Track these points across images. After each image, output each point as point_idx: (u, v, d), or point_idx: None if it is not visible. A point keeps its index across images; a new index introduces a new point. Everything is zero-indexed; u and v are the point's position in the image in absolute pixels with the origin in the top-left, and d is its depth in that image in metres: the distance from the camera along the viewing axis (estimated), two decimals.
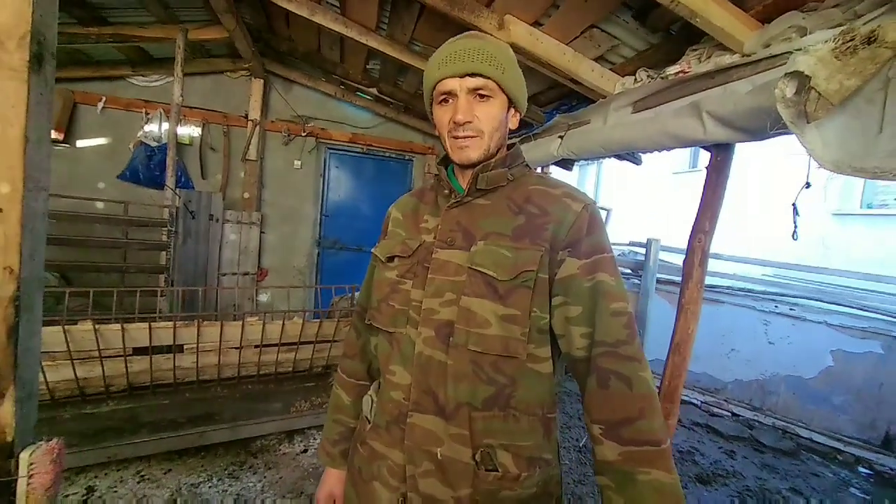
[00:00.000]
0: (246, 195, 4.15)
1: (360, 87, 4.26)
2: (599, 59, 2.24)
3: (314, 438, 2.50)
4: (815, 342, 3.35)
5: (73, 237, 3.11)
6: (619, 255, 4.63)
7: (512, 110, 0.79)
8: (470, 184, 0.78)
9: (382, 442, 0.78)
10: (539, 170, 3.13)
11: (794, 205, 1.46)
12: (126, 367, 2.16)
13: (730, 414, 3.54)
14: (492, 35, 1.35)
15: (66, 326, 1.97)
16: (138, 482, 2.02)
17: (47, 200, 0.69)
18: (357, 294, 1.75)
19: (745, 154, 6.08)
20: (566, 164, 2.93)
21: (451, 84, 0.73)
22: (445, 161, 0.84)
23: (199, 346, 2.33)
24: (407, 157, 4.95)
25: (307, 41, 3.65)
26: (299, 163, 4.39)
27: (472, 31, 0.79)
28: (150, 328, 2.17)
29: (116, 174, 3.71)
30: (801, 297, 3.53)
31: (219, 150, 4.06)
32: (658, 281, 3.63)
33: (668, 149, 1.91)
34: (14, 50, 0.62)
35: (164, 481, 2.04)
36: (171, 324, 2.24)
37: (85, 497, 1.90)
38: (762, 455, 2.95)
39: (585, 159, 2.85)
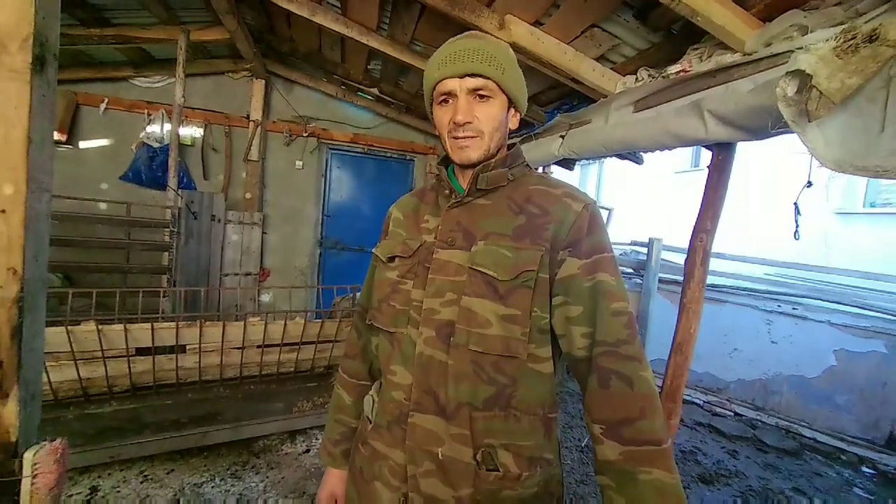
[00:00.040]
0: (248, 196, 4.16)
1: (361, 87, 4.27)
2: (600, 59, 2.24)
3: (316, 438, 2.50)
4: (817, 341, 3.34)
5: (76, 238, 3.12)
6: (620, 254, 4.62)
7: (512, 110, 0.79)
8: (470, 184, 0.78)
9: (384, 442, 0.78)
10: (540, 169, 3.14)
11: (795, 204, 1.46)
12: (129, 367, 2.16)
13: (732, 413, 3.53)
14: (492, 35, 1.36)
15: (69, 327, 1.97)
16: (141, 482, 2.03)
17: (50, 201, 0.70)
18: (358, 294, 1.76)
19: (747, 153, 6.06)
20: (567, 163, 2.93)
21: (451, 84, 0.73)
22: (446, 161, 0.84)
23: (202, 347, 2.33)
24: (408, 157, 4.95)
25: (308, 42, 3.66)
26: (301, 163, 4.40)
27: (472, 31, 0.79)
28: (152, 328, 2.17)
29: (119, 175, 3.72)
30: (803, 297, 3.52)
31: (220, 151, 4.07)
32: (660, 280, 3.62)
33: (670, 148, 1.91)
34: (16, 52, 0.62)
35: (167, 481, 2.05)
36: (173, 324, 2.24)
37: (88, 497, 1.91)
38: (765, 455, 2.94)
39: (587, 159, 2.85)
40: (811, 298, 3.48)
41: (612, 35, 2.05)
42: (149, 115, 3.73)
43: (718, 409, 3.58)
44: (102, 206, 3.56)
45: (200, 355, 2.33)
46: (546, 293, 0.72)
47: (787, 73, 1.07)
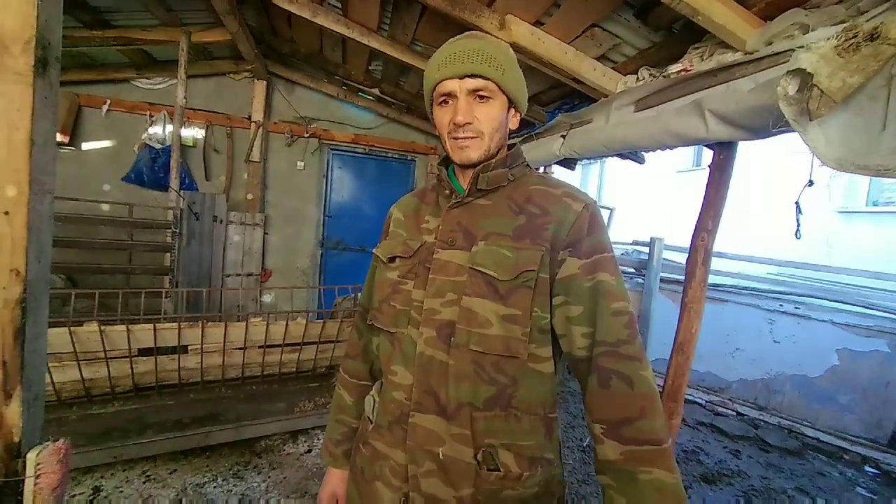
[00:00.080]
0: (249, 196, 4.17)
1: (362, 87, 4.27)
2: (601, 58, 2.24)
3: (318, 438, 2.51)
4: (820, 341, 3.33)
5: (78, 239, 3.14)
6: (622, 254, 4.62)
7: (512, 110, 0.79)
8: (470, 184, 0.78)
9: (384, 442, 0.78)
10: (541, 169, 3.14)
11: (797, 203, 1.45)
12: (131, 367, 2.17)
13: (735, 413, 3.52)
14: (493, 35, 1.36)
15: (72, 328, 1.98)
16: (144, 482, 2.03)
17: (53, 203, 0.70)
18: (359, 294, 1.76)
19: (748, 152, 6.05)
20: (568, 163, 2.93)
21: (451, 85, 0.73)
22: (446, 161, 0.84)
23: (204, 347, 2.34)
24: (409, 158, 4.95)
25: (309, 42, 3.67)
26: (302, 164, 4.40)
27: (472, 32, 0.79)
28: (154, 329, 2.18)
29: (121, 176, 3.73)
30: (806, 296, 3.51)
31: (222, 152, 4.08)
32: (662, 280, 3.61)
33: (671, 147, 1.91)
34: (19, 54, 0.63)
35: (170, 481, 2.06)
36: (175, 325, 2.25)
37: (91, 497, 1.91)
38: (767, 454, 2.93)
39: (588, 158, 2.85)
40: (813, 298, 3.47)
41: (613, 34, 2.05)
42: (151, 116, 3.74)
43: (720, 409, 3.57)
44: (105, 207, 3.58)
45: (202, 356, 2.34)
46: (546, 293, 0.72)
47: (788, 71, 1.06)
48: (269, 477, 2.17)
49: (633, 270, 3.83)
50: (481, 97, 0.73)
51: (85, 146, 3.66)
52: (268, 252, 4.30)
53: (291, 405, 2.46)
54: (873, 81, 1.00)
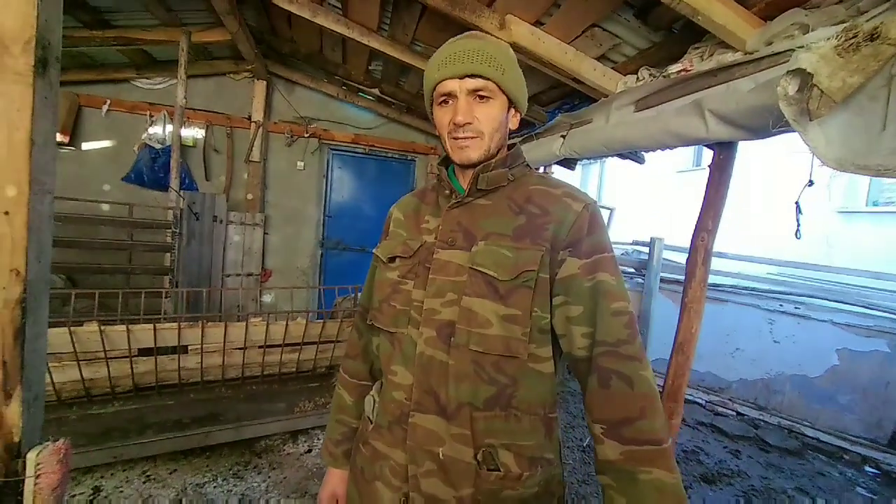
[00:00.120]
0: (249, 196, 4.17)
1: (362, 87, 4.27)
2: (601, 58, 2.24)
3: (318, 438, 2.51)
4: (820, 341, 3.33)
5: (78, 239, 3.14)
6: (622, 254, 4.62)
7: (512, 110, 0.79)
8: (470, 184, 0.78)
9: (385, 442, 0.78)
10: (542, 169, 3.14)
11: (797, 203, 1.45)
12: (131, 367, 2.17)
13: (735, 413, 3.52)
14: (493, 35, 1.36)
15: (72, 328, 1.98)
16: (144, 482, 2.03)
17: (53, 203, 0.70)
18: (360, 294, 1.76)
19: (748, 152, 6.06)
20: (568, 163, 2.93)
21: (451, 85, 0.73)
22: (446, 161, 0.84)
23: (204, 347, 2.34)
24: (409, 158, 4.95)
25: (309, 42, 3.67)
26: (302, 164, 4.40)
27: (472, 32, 0.79)
28: (154, 329, 2.18)
29: (121, 176, 3.74)
30: (806, 296, 3.51)
31: (222, 152, 4.08)
32: (662, 280, 3.61)
33: (671, 147, 1.91)
34: (19, 54, 0.63)
35: (170, 481, 2.06)
36: (175, 325, 2.25)
37: (91, 497, 1.91)
38: (767, 454, 2.93)
39: (588, 158, 2.85)
40: (813, 298, 3.47)
41: (613, 34, 2.05)
42: (151, 116, 3.74)
43: (720, 409, 3.57)
44: (105, 207, 3.58)
45: (202, 356, 2.34)
46: (546, 293, 0.72)
47: (788, 71, 1.06)
48: (269, 477, 2.17)
49: (633, 270, 3.83)
50: (481, 97, 0.73)
51: (85, 146, 3.66)
52: (268, 252, 4.30)
53: (291, 405, 2.46)
54: (873, 81, 1.00)
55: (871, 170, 1.02)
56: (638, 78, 2.10)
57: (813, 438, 3.14)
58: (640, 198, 8.97)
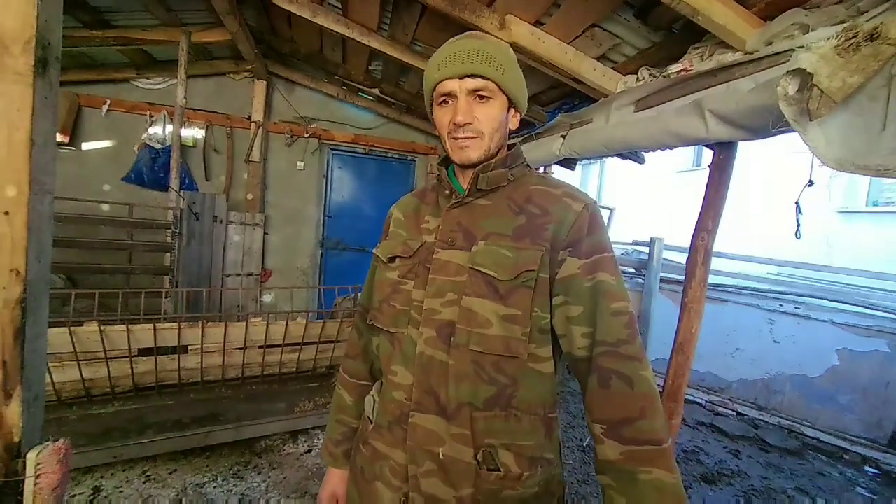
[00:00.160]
0: (249, 196, 4.17)
1: (362, 87, 4.27)
2: (601, 58, 2.24)
3: (318, 438, 2.51)
4: (820, 341, 3.33)
5: (78, 239, 3.14)
6: (622, 254, 4.62)
7: (512, 110, 0.79)
8: (470, 184, 0.78)
9: (385, 442, 0.78)
10: (542, 169, 3.14)
11: (796, 203, 1.45)
12: (131, 367, 2.17)
13: (735, 413, 3.52)
14: (493, 35, 1.36)
15: (72, 328, 1.98)
16: (144, 482, 2.03)
17: (53, 203, 0.70)
18: (360, 294, 1.76)
19: (748, 152, 6.06)
20: (569, 163, 2.93)
21: (451, 85, 0.73)
22: (446, 161, 0.84)
23: (204, 347, 2.34)
24: (409, 158, 4.95)
25: (309, 42, 3.67)
26: (302, 164, 4.40)
27: (472, 32, 0.79)
28: (154, 329, 2.18)
29: (121, 176, 3.74)
30: (806, 296, 3.51)
31: (222, 152, 4.08)
32: (662, 280, 3.61)
33: (671, 147, 1.91)
34: (19, 54, 0.63)
35: (170, 481, 2.06)
36: (175, 325, 2.25)
37: (91, 497, 1.91)
38: (767, 454, 2.93)
39: (588, 158, 2.85)
40: (813, 298, 3.47)
41: (613, 34, 2.05)
42: (151, 116, 3.74)
43: (720, 409, 3.57)
44: (105, 207, 3.58)
45: (202, 356, 2.34)
46: (546, 293, 0.72)
47: (788, 71, 1.06)
48: (269, 477, 2.17)
49: (633, 270, 3.83)
50: (481, 97, 0.73)
51: (85, 146, 3.66)
52: (268, 252, 4.30)
53: (291, 405, 2.46)
54: (873, 81, 1.00)
55: (871, 170, 1.02)
56: (638, 78, 2.10)
57: (813, 438, 3.14)
58: (640, 198, 8.98)
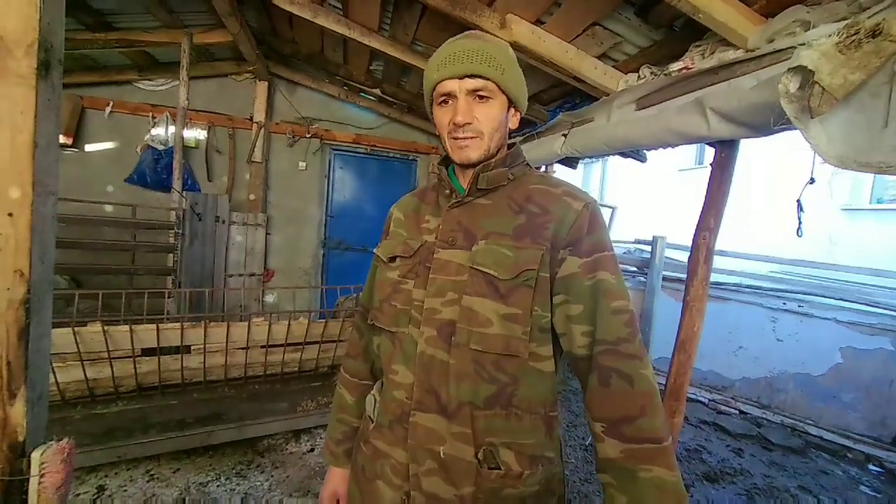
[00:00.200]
0: (251, 197, 4.18)
1: (363, 88, 4.28)
2: (602, 57, 2.23)
3: (320, 438, 2.51)
4: (823, 339, 3.31)
5: (82, 240, 3.16)
6: (624, 252, 4.61)
7: (512, 110, 0.79)
8: (470, 184, 0.78)
9: (385, 441, 0.78)
10: (543, 168, 3.14)
11: (798, 201, 1.45)
12: (135, 367, 2.18)
13: (737, 412, 3.51)
14: (494, 34, 1.35)
15: (75, 328, 1.99)
16: (148, 481, 2.05)
17: (56, 204, 0.71)
18: (361, 294, 1.77)
19: (750, 150, 6.04)
20: (570, 162, 2.93)
21: (451, 85, 0.73)
22: (446, 161, 0.84)
23: (206, 347, 2.35)
24: (411, 158, 4.95)
25: (310, 43, 3.67)
26: (304, 164, 4.41)
27: (471, 31, 0.79)
28: (157, 329, 2.19)
29: (124, 177, 3.75)
30: (809, 294, 3.49)
31: (224, 153, 4.09)
32: (664, 278, 3.61)
33: (673, 146, 1.90)
34: (22, 57, 0.63)
35: (173, 480, 2.07)
36: (178, 325, 2.26)
37: (95, 496, 1.93)
38: (770, 453, 2.92)
39: (589, 157, 2.85)
40: (817, 296, 3.45)
41: (614, 33, 2.04)
42: (153, 117, 3.75)
43: (723, 408, 3.56)
44: (108, 208, 3.60)
45: (205, 356, 2.35)
46: (547, 292, 0.73)
47: (789, 69, 1.06)
48: (272, 476, 2.18)
49: (635, 269, 3.82)
50: (481, 97, 0.73)
51: (88, 148, 3.68)
52: (270, 252, 4.31)
53: (294, 404, 2.47)
54: (875, 78, 1.00)
55: (872, 167, 1.02)
56: (639, 76, 2.09)
57: (816, 437, 3.13)
58: (642, 196, 8.96)
